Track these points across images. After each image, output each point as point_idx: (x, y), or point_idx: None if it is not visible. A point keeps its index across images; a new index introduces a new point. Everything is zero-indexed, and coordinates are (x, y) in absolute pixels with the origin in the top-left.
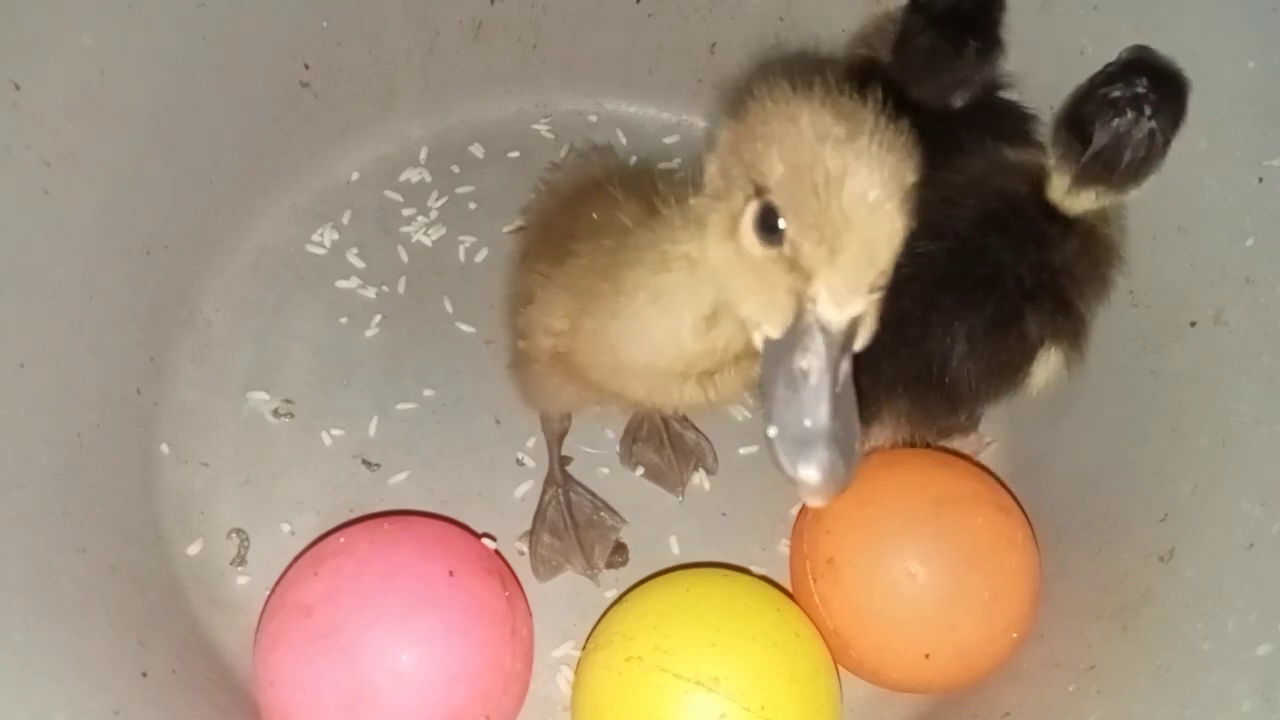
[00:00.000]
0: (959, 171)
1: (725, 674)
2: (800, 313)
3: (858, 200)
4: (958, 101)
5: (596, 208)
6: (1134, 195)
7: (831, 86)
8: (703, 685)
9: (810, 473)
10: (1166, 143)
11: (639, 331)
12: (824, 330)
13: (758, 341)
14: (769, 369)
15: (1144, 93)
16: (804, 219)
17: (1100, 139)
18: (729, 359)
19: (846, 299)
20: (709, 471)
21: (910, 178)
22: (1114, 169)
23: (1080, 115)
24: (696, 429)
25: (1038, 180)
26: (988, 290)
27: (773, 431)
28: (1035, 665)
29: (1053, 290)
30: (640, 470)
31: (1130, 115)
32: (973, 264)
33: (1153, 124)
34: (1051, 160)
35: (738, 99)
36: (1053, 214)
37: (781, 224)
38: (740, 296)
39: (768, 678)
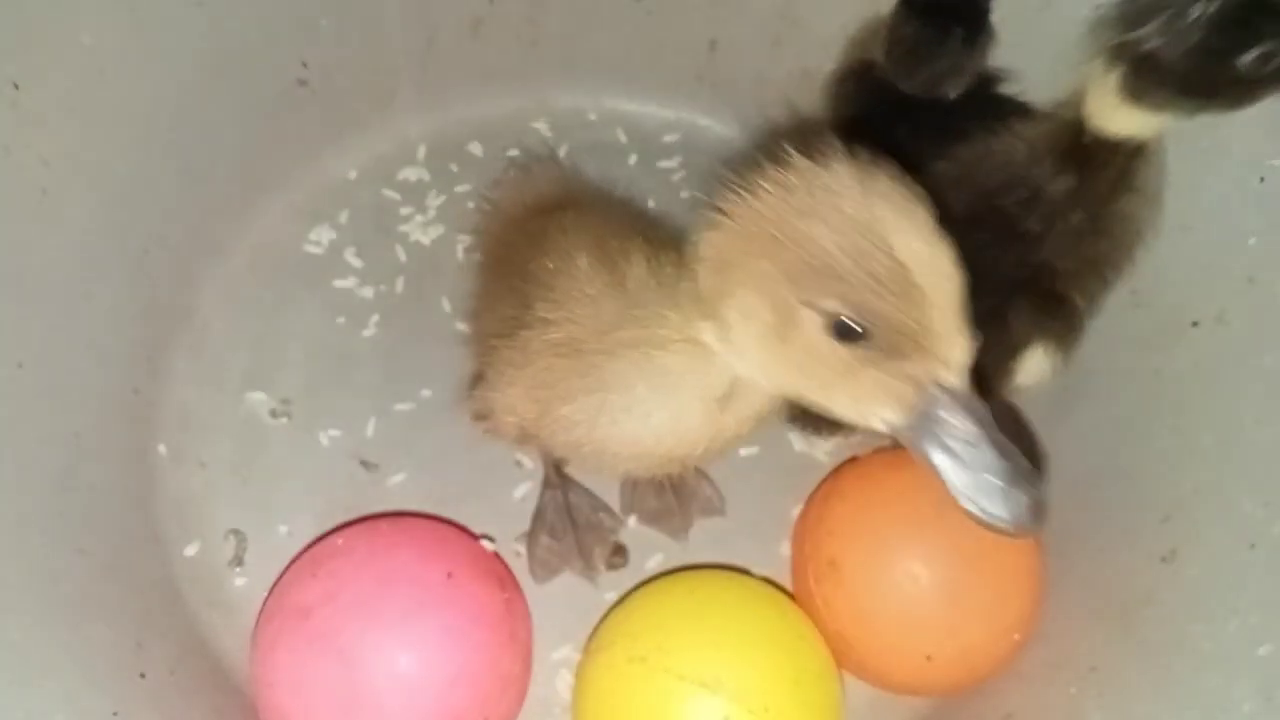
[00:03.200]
0: (953, 161)
1: (728, 676)
2: (922, 393)
3: (925, 269)
4: (951, 92)
5: (550, 253)
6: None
7: (813, 156)
8: (706, 687)
9: (1019, 518)
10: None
11: (635, 423)
12: (953, 395)
13: (878, 426)
14: (916, 448)
15: None
16: (886, 317)
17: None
18: (742, 431)
19: (959, 360)
20: (718, 514)
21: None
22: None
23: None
24: (700, 470)
25: (1051, 127)
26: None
27: (965, 503)
28: (1037, 666)
29: (1038, 286)
30: (635, 519)
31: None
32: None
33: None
34: (1098, 61)
35: (716, 193)
36: (1072, 151)
37: (859, 327)
38: (829, 396)
39: (771, 680)
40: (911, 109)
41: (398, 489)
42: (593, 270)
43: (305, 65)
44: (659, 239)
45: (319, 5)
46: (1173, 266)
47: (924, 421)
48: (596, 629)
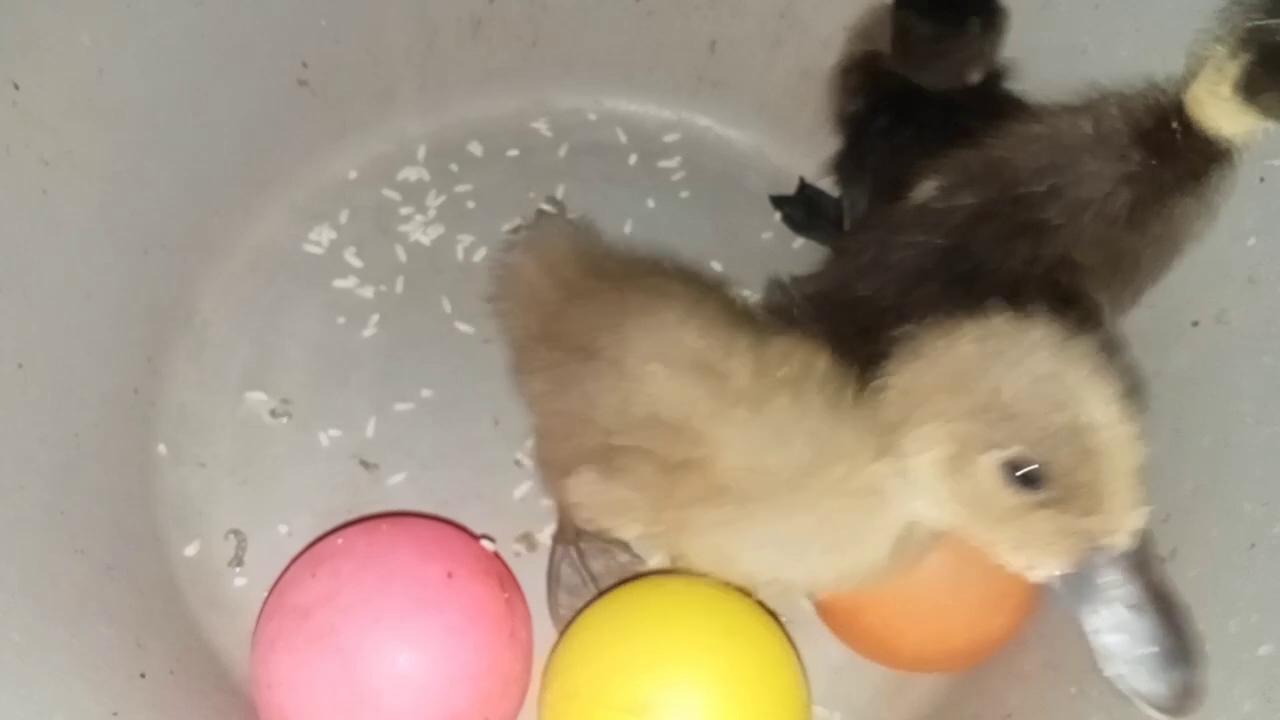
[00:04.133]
0: (985, 146)
1: (661, 699)
2: (1090, 549)
3: (1109, 434)
4: (975, 77)
5: (650, 341)
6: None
7: (1030, 318)
8: (634, 715)
9: (1169, 700)
10: None
11: (797, 572)
12: (1125, 558)
13: (1035, 575)
14: (1073, 605)
15: None
16: (1065, 471)
17: None
18: (898, 568)
19: (1133, 524)
20: None
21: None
22: None
23: None
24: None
25: (1138, 104)
26: (969, 285)
27: (1113, 670)
28: (1037, 667)
29: (1052, 280)
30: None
31: None
32: (957, 259)
33: None
34: (1221, 45)
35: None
36: (1150, 135)
37: (1036, 477)
38: (994, 537)
39: (705, 693)
40: (918, 105)
41: (398, 489)
42: (724, 391)
43: (305, 65)
44: (738, 322)
45: (319, 5)
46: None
47: (1085, 579)
48: (545, 667)
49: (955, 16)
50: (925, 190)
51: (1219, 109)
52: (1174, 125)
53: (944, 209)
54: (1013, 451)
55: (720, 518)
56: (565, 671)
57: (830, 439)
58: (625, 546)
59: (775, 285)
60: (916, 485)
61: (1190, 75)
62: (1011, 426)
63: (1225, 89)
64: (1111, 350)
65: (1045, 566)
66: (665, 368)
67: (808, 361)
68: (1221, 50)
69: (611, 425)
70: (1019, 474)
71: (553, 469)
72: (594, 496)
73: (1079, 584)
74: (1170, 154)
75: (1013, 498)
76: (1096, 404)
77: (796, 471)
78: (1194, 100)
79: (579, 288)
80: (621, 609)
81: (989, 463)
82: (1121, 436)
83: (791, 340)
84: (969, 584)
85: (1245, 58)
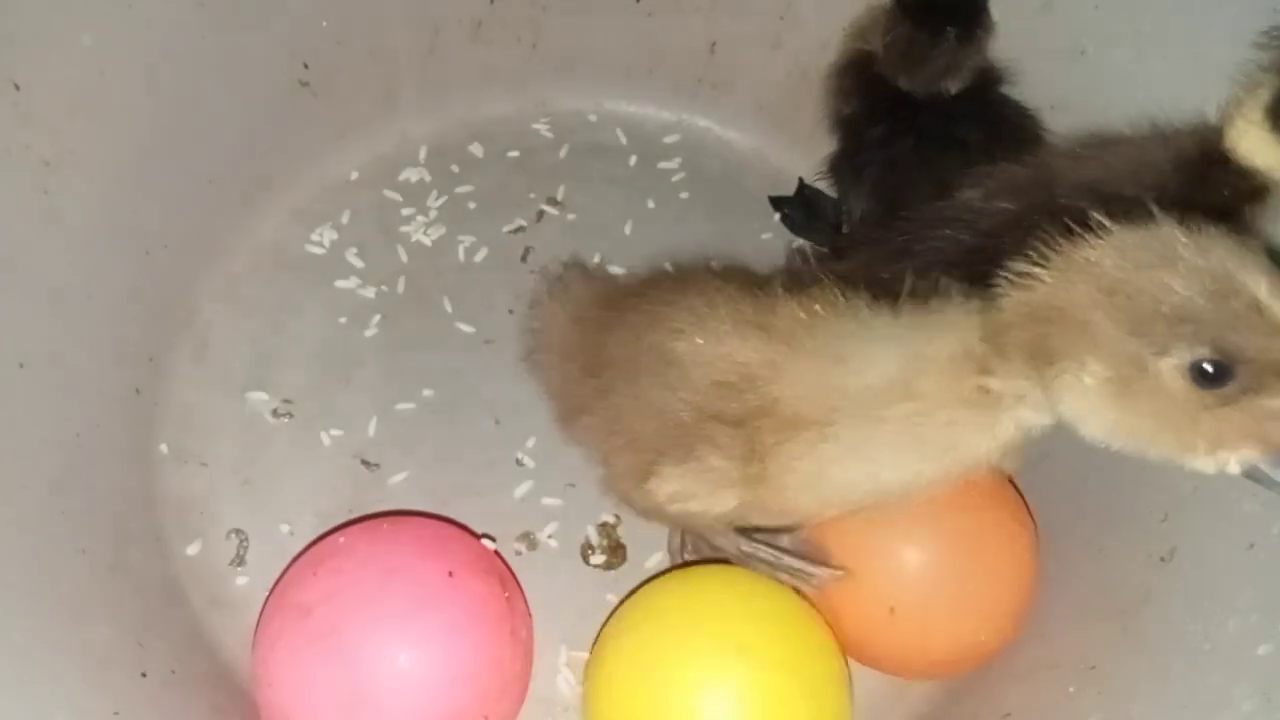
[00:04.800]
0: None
1: (707, 686)
2: None
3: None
4: (952, 88)
5: (691, 322)
6: None
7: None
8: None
9: None
10: None
11: (899, 483)
12: None
13: (1232, 468)
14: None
15: None
16: (1255, 353)
17: None
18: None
19: None
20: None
21: None
22: None
23: None
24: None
25: (1189, 136)
26: (985, 286)
27: None
28: (1035, 666)
29: None
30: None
31: None
32: (979, 259)
33: None
34: (1256, 95)
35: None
36: (1191, 163)
37: (1226, 369)
38: (1184, 444)
39: (750, 681)
40: (915, 113)
41: (399, 488)
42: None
43: (306, 66)
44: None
45: (320, 6)
46: None
47: None
48: (600, 632)
49: (936, 23)
50: (967, 197)
51: (1255, 141)
52: (1215, 156)
53: (980, 209)
54: (1198, 352)
55: (805, 448)
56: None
57: (917, 350)
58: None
59: (797, 253)
60: (1067, 408)
61: (1233, 108)
62: (1189, 328)
63: (1259, 119)
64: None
65: (1244, 457)
66: (711, 334)
67: (844, 296)
68: (1259, 81)
69: (677, 410)
70: (1206, 373)
71: (631, 482)
72: (679, 482)
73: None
74: (1207, 185)
75: (1204, 398)
76: (1259, 282)
77: (879, 384)
78: (1235, 133)
79: (607, 318)
80: (695, 593)
81: (1172, 371)
82: None
83: (825, 285)
84: (953, 596)
85: (1275, 87)
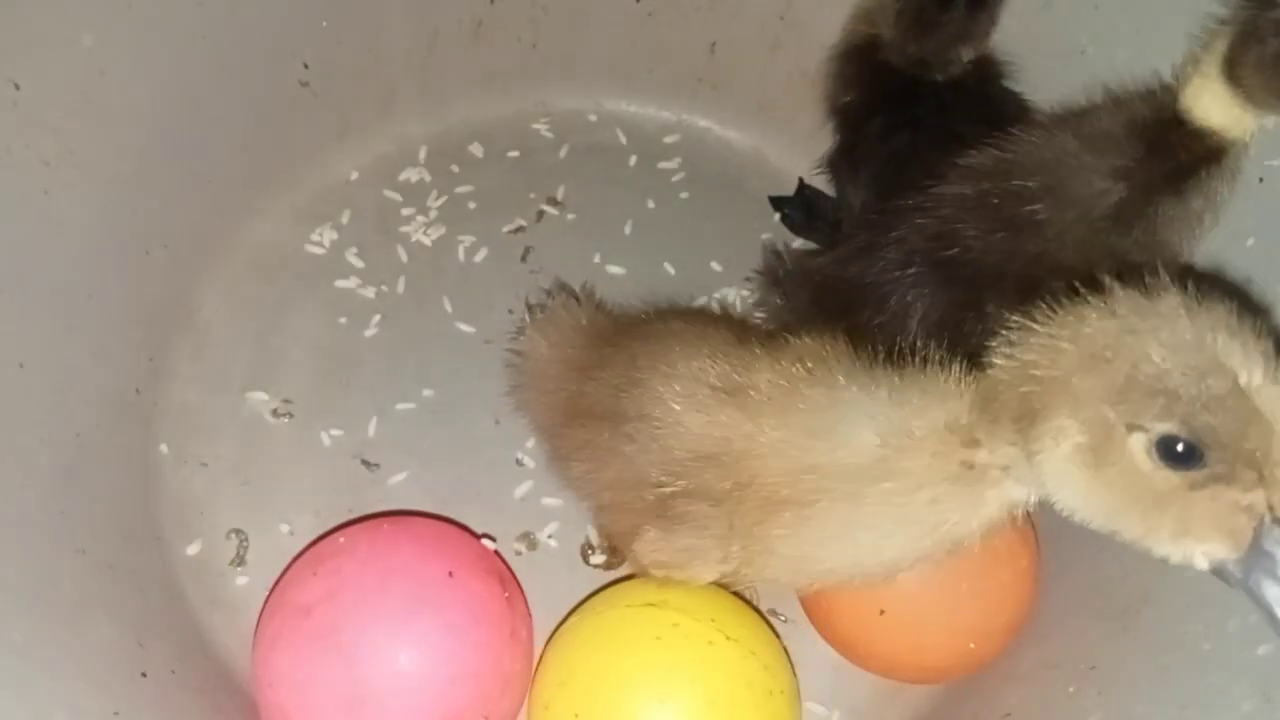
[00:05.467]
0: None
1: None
2: (1259, 525)
3: (1268, 397)
4: (966, 56)
5: (668, 384)
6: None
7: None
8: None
9: None
10: None
11: (877, 562)
12: None
13: (1198, 562)
14: (1245, 584)
15: None
16: (1226, 440)
17: None
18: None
19: None
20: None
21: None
22: None
23: None
24: None
25: (1140, 104)
26: (950, 272)
27: None
28: (1035, 666)
29: (1029, 277)
30: None
31: None
32: (941, 245)
33: None
34: (1215, 34)
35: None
36: (1147, 130)
37: (1194, 451)
38: (1149, 526)
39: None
40: (913, 106)
41: (399, 488)
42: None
43: (306, 66)
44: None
45: (320, 6)
46: None
47: (1257, 556)
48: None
49: None
50: (930, 187)
51: (1211, 100)
52: (1170, 118)
53: (939, 195)
54: (1167, 427)
55: (785, 528)
56: (551, 689)
57: (899, 426)
58: None
59: (771, 251)
60: (1045, 476)
61: (1189, 65)
62: (1161, 402)
63: (1215, 73)
64: (1250, 312)
65: (1210, 550)
66: (689, 403)
67: (825, 352)
68: (1215, 35)
69: (657, 478)
70: (1175, 452)
71: (621, 539)
72: (662, 553)
73: (1251, 561)
74: (1164, 149)
75: (1170, 479)
76: (1252, 365)
77: (858, 462)
78: (1190, 94)
79: (589, 360)
80: (602, 627)
81: (1140, 444)
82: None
83: (805, 339)
84: (945, 601)
85: (1230, 42)
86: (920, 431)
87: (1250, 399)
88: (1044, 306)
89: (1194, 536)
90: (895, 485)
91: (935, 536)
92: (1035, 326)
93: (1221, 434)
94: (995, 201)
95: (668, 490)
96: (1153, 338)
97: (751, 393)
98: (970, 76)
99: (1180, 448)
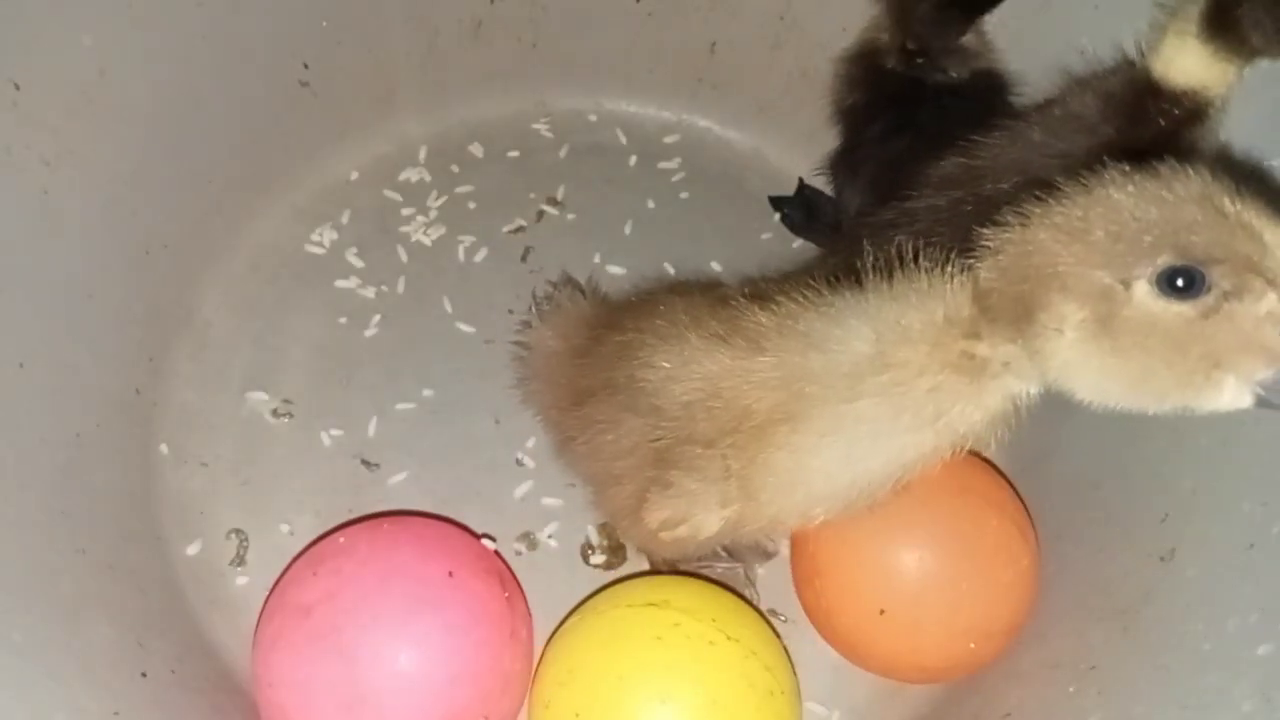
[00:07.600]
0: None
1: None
2: None
3: (1251, 208)
4: (959, 37)
5: (658, 346)
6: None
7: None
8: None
9: None
10: None
11: (883, 466)
12: None
13: (1233, 395)
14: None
15: None
16: (1225, 246)
17: None
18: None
19: None
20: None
21: None
22: None
23: None
24: None
25: (1115, 76)
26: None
27: None
28: (1036, 666)
29: None
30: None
31: None
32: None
33: None
34: (1186, 7)
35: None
36: (1124, 100)
37: (1199, 270)
38: (1176, 372)
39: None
40: (914, 111)
41: (399, 488)
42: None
43: (306, 66)
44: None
45: (319, 6)
46: None
47: None
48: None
49: None
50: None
51: (1189, 58)
52: (1144, 87)
53: (912, 210)
54: (1163, 260)
55: (781, 444)
56: (551, 689)
57: (893, 320)
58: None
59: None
60: (1058, 371)
61: (1165, 24)
62: (1148, 240)
63: (1193, 30)
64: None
65: (1249, 371)
66: (675, 357)
67: (812, 290)
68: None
69: (651, 433)
70: (1178, 285)
71: (626, 517)
72: (664, 509)
73: None
74: (1143, 118)
75: (1184, 312)
76: (1217, 191)
77: (851, 359)
78: (1164, 58)
79: (586, 348)
80: (602, 627)
81: (1144, 291)
82: (1257, 198)
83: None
84: (945, 601)
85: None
86: (919, 325)
87: (1236, 205)
88: (1015, 217)
89: (1225, 366)
90: (893, 375)
91: (936, 429)
92: (1010, 233)
93: (1215, 248)
94: (969, 209)
95: (663, 443)
96: (1119, 191)
97: (744, 331)
98: (972, 84)
99: (1181, 280)
